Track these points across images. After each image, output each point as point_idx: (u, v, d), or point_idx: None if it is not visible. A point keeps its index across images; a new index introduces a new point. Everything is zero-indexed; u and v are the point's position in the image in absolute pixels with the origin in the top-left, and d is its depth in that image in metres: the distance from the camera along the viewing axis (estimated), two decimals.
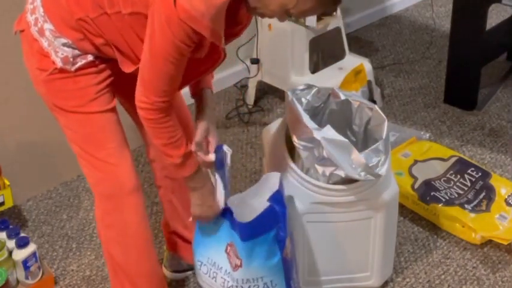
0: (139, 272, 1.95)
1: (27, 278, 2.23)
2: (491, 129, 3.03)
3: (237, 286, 1.87)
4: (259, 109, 3.21)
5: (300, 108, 1.99)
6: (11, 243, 2.21)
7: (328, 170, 1.96)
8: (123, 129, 1.88)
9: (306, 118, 1.96)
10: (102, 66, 1.79)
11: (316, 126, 1.94)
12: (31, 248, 2.21)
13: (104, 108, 1.81)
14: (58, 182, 2.77)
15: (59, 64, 1.74)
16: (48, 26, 1.73)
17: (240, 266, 1.85)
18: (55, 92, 1.79)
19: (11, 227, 2.29)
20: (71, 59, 1.74)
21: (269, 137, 2.23)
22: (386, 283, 2.26)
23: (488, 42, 3.12)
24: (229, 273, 1.88)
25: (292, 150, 2.05)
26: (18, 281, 2.24)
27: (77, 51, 1.74)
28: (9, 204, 2.33)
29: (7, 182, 2.33)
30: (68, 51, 1.74)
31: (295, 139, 1.99)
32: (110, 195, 1.87)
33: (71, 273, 2.37)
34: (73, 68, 1.75)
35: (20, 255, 2.19)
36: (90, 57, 1.76)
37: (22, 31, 1.81)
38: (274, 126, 2.24)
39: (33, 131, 2.61)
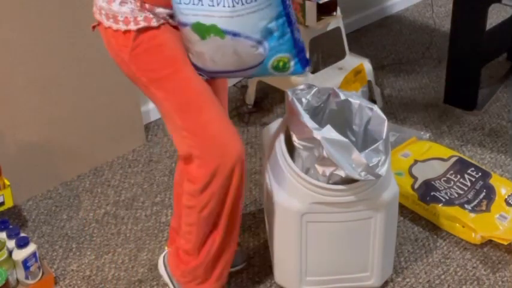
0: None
1: (27, 278, 2.23)
2: (491, 129, 3.03)
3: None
4: (259, 109, 3.21)
5: (300, 108, 1.99)
6: (11, 243, 2.21)
7: (328, 170, 1.96)
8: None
9: (306, 118, 1.96)
10: (171, 29, 1.82)
11: (316, 126, 1.94)
12: (31, 248, 2.22)
13: (195, 72, 1.85)
14: (58, 182, 2.77)
15: (123, 28, 1.78)
16: None
17: None
18: (145, 65, 1.83)
19: (11, 227, 2.29)
20: (132, 18, 1.78)
21: (269, 137, 2.23)
22: (386, 283, 2.26)
23: (488, 42, 3.12)
24: None
25: (292, 150, 2.05)
26: (18, 281, 2.25)
27: (136, 10, 1.77)
28: (9, 204, 2.33)
29: (7, 182, 2.33)
30: (127, 11, 1.78)
31: (295, 139, 2.00)
32: (217, 162, 1.84)
33: (71, 273, 2.37)
34: (136, 28, 1.78)
35: (20, 255, 2.20)
36: (153, 23, 1.79)
37: (98, 25, 1.87)
38: (274, 126, 2.23)
39: (33, 131, 2.61)
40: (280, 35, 1.76)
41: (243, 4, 1.69)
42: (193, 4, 1.72)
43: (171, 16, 1.83)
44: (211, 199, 1.90)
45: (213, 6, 1.71)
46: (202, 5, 1.72)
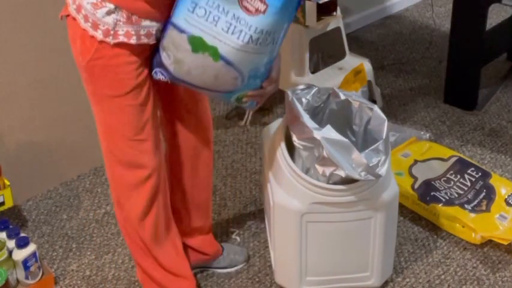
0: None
1: (27, 278, 2.23)
2: (491, 129, 3.04)
3: (246, 33, 1.68)
4: (259, 109, 3.20)
5: (300, 108, 1.99)
6: (11, 243, 2.21)
7: (328, 170, 1.96)
8: (157, 123, 1.92)
9: (306, 118, 1.96)
10: (143, 57, 1.78)
11: (316, 126, 1.94)
12: (31, 248, 2.21)
13: (139, 101, 1.82)
14: (58, 182, 2.77)
15: (99, 37, 1.71)
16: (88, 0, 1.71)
17: (263, 12, 1.66)
18: (94, 78, 1.80)
19: (11, 227, 2.29)
20: (112, 32, 1.70)
21: (269, 137, 2.23)
22: (386, 283, 2.26)
23: (488, 42, 3.12)
24: (239, 17, 1.67)
25: (292, 150, 2.05)
26: (18, 281, 2.25)
27: (120, 22, 1.70)
28: (9, 204, 2.33)
29: (7, 182, 2.33)
30: (110, 23, 1.69)
31: (295, 139, 2.00)
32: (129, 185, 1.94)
33: (71, 273, 2.37)
34: (113, 42, 1.71)
35: (20, 255, 2.20)
36: (132, 40, 1.72)
37: (67, 16, 1.79)
38: (274, 126, 2.24)
39: (33, 131, 2.61)
40: (260, 75, 1.80)
41: (255, 44, 1.69)
42: (206, 21, 1.67)
43: (151, 31, 1.75)
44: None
45: (226, 32, 1.67)
46: (215, 26, 1.67)
